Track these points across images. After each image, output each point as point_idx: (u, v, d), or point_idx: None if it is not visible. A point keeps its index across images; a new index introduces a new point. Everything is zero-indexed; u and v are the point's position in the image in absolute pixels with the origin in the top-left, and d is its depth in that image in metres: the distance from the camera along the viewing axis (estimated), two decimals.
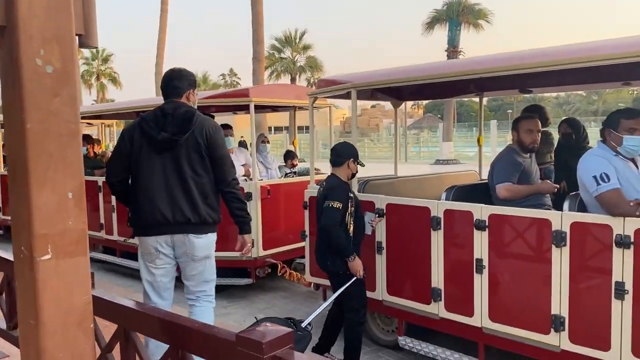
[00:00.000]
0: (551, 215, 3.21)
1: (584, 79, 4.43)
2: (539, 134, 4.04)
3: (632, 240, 2.86)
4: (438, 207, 3.76)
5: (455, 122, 41.57)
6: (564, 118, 4.84)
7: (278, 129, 42.64)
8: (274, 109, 7.42)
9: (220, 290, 5.38)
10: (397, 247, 4.06)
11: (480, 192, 4.14)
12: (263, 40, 15.68)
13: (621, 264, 2.91)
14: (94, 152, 7.98)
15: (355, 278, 3.68)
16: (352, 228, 3.76)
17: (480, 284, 3.53)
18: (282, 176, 6.82)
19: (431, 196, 4.49)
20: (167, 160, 3.22)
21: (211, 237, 3.34)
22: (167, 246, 3.27)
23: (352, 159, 3.79)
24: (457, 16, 29.09)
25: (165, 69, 3.66)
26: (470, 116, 59.75)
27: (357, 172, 3.90)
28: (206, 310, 3.40)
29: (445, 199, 3.90)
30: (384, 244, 4.12)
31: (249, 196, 5.61)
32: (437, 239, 3.76)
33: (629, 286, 2.89)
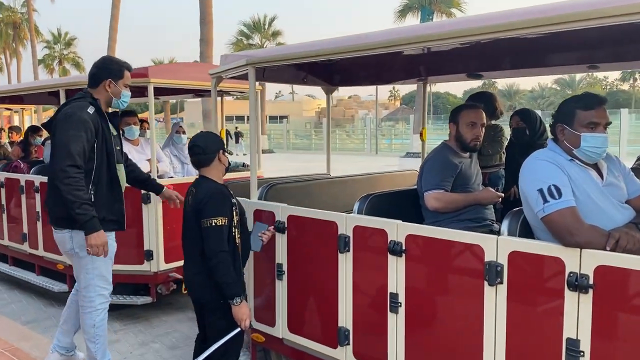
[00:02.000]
0: (483, 240, 2.32)
1: (540, 59, 3.56)
2: (483, 128, 3.17)
3: (590, 282, 2.00)
4: (346, 223, 2.86)
5: (432, 114, 40.92)
6: (515, 110, 3.95)
7: (239, 118, 41.40)
8: (198, 93, 6.43)
9: (114, 309, 4.45)
10: (301, 272, 3.15)
11: (410, 201, 3.27)
12: (211, 21, 14.65)
13: (576, 316, 2.05)
14: None
15: (238, 330, 2.77)
16: (240, 245, 2.88)
17: (396, 326, 2.65)
18: None
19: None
20: None
21: (62, 233, 3.17)
22: None
23: (220, 151, 2.88)
24: (430, 4, 28.26)
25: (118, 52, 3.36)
26: (447, 108, 59.31)
27: (229, 164, 3.01)
28: (83, 315, 3.28)
29: (357, 212, 2.99)
30: (284, 267, 3.21)
31: (146, 198, 4.65)
32: (345, 265, 2.87)
33: (585, 346, 2.04)
